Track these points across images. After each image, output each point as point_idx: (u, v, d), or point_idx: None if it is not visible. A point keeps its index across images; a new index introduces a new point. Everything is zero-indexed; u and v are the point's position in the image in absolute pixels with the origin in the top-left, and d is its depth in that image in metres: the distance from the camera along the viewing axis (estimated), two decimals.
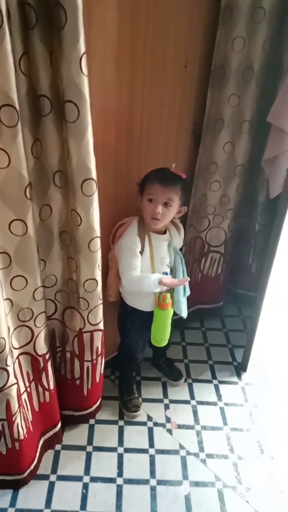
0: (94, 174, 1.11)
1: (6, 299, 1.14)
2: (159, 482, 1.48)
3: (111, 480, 1.48)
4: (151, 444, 1.61)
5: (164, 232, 1.49)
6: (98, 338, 1.44)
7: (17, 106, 0.91)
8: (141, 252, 1.41)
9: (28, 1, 0.90)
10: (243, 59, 1.54)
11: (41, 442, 1.50)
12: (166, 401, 1.80)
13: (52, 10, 0.91)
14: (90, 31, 1.13)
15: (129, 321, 1.61)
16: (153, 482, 1.49)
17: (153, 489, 1.46)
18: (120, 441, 1.61)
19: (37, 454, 1.47)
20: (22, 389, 1.31)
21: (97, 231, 1.21)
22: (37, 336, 1.27)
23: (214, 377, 1.93)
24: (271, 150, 1.68)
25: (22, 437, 1.31)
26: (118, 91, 1.32)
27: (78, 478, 1.48)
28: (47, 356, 1.34)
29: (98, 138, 1.12)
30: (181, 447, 1.61)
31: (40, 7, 0.91)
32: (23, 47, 0.93)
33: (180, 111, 1.60)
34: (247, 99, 1.61)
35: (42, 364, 1.33)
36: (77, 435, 1.63)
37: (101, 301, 1.37)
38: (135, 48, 1.31)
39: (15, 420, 1.26)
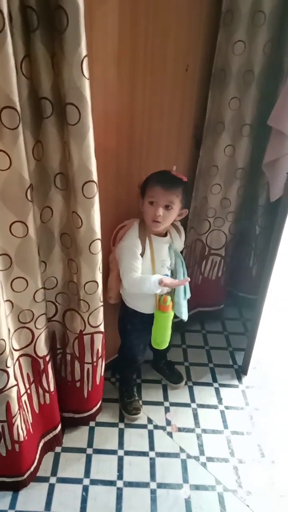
0: (95, 177, 1.12)
1: (6, 300, 1.14)
2: (159, 485, 1.48)
3: (111, 483, 1.48)
4: (152, 447, 1.61)
5: (165, 235, 1.49)
6: (99, 340, 1.44)
7: (18, 108, 0.91)
8: (142, 254, 1.41)
9: (30, 4, 0.91)
10: (244, 62, 1.54)
11: (41, 444, 1.50)
12: (166, 404, 1.79)
13: (53, 13, 0.92)
14: (92, 34, 1.14)
15: (129, 324, 1.61)
16: (153, 485, 1.48)
17: (153, 492, 1.46)
18: (121, 444, 1.61)
19: (37, 456, 1.47)
20: (22, 390, 1.31)
21: (98, 233, 1.22)
22: (37, 338, 1.27)
23: (214, 380, 1.92)
24: (271, 153, 1.68)
25: (22, 439, 1.31)
26: (119, 94, 1.33)
27: (78, 481, 1.48)
28: (47, 358, 1.34)
29: (99, 140, 1.12)
30: (182, 450, 1.60)
31: (42, 10, 0.92)
32: (24, 50, 0.94)
33: (181, 114, 1.61)
34: (248, 102, 1.62)
35: (42, 366, 1.33)
36: (77, 437, 1.63)
37: (102, 303, 1.37)
38: (136, 52, 1.31)
39: (15, 422, 1.26)
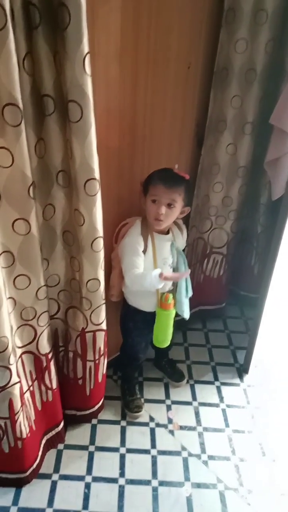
0: (97, 174, 1.12)
1: (9, 298, 1.15)
2: (161, 483, 1.48)
3: (113, 480, 1.48)
4: (153, 445, 1.61)
5: (167, 232, 1.49)
6: (101, 338, 1.44)
7: (20, 106, 0.92)
8: (144, 252, 1.42)
9: (32, 1, 0.91)
10: (246, 61, 1.54)
11: (43, 441, 1.50)
12: (168, 402, 1.80)
13: (56, 10, 0.92)
14: (94, 32, 1.14)
15: (131, 322, 1.61)
16: (155, 483, 1.48)
17: (155, 490, 1.46)
18: (122, 442, 1.61)
19: (40, 453, 1.47)
20: (25, 388, 1.31)
21: (100, 231, 1.22)
22: (40, 335, 1.28)
23: (216, 378, 1.92)
24: (273, 152, 1.68)
25: (24, 436, 1.31)
26: (121, 91, 1.33)
27: (80, 478, 1.48)
28: (49, 356, 1.34)
29: (101, 138, 1.12)
30: (183, 448, 1.60)
31: (44, 7, 0.92)
32: (27, 47, 0.94)
33: (182, 112, 1.61)
34: (250, 101, 1.62)
35: (45, 363, 1.34)
36: (79, 434, 1.63)
37: (104, 301, 1.37)
38: (138, 49, 1.32)
39: (17, 419, 1.26)
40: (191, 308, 1.57)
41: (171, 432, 1.66)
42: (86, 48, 0.95)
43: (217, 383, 1.90)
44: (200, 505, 1.42)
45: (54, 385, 1.41)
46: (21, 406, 1.26)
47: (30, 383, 1.34)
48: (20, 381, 1.24)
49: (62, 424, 1.54)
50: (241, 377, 1.94)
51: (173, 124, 1.59)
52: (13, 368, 1.18)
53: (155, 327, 1.51)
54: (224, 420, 1.73)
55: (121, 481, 1.48)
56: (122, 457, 1.56)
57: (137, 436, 1.64)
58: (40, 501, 1.41)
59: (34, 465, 1.44)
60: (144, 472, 1.51)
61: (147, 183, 1.40)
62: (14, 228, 1.06)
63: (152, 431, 1.66)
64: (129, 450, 1.58)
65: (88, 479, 1.48)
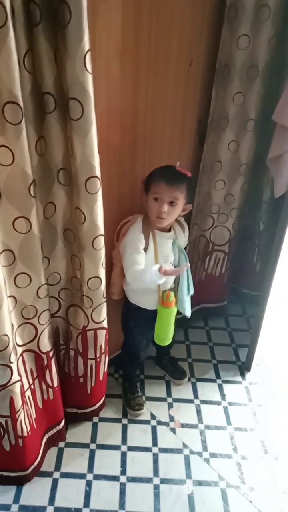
0: (98, 172, 1.11)
1: (10, 296, 1.15)
2: (163, 481, 1.48)
3: (115, 478, 1.48)
4: (155, 443, 1.61)
5: (169, 230, 1.49)
6: (102, 336, 1.44)
7: (21, 103, 0.91)
8: (146, 249, 1.41)
9: None
10: (248, 57, 1.53)
11: (44, 439, 1.50)
12: (169, 400, 1.80)
13: (56, 7, 0.91)
14: (95, 29, 1.13)
15: (132, 320, 1.61)
16: (156, 480, 1.49)
17: (156, 487, 1.46)
18: (124, 439, 1.62)
19: (41, 451, 1.48)
20: (26, 386, 1.31)
21: (101, 229, 1.22)
22: (41, 334, 1.28)
23: (218, 376, 1.92)
24: (275, 149, 1.67)
25: (25, 434, 1.32)
26: (122, 88, 1.32)
27: (81, 476, 1.48)
28: (50, 354, 1.34)
29: (102, 136, 1.12)
30: (185, 446, 1.60)
31: (45, 4, 0.92)
32: (27, 44, 0.94)
33: (184, 109, 1.60)
34: (252, 98, 1.61)
35: (46, 362, 1.34)
36: (80, 432, 1.63)
37: (105, 299, 1.37)
38: (139, 46, 1.31)
39: (18, 417, 1.26)
40: (192, 306, 1.57)
41: (173, 430, 1.67)
42: (87, 45, 0.94)
43: (219, 381, 1.90)
44: (201, 503, 1.42)
45: (55, 383, 1.41)
46: (22, 404, 1.26)
47: (31, 381, 1.34)
48: (21, 380, 1.24)
49: (63, 422, 1.54)
50: (243, 375, 1.94)
51: (175, 121, 1.58)
52: (13, 366, 1.18)
53: (157, 325, 1.51)
54: (226, 418, 1.73)
55: (123, 479, 1.48)
56: (124, 455, 1.56)
57: (138, 434, 1.64)
58: (41, 499, 1.41)
59: (35, 463, 1.44)
60: (146, 470, 1.52)
61: (148, 180, 1.39)
62: (14, 226, 1.06)
63: (154, 429, 1.66)
64: (130, 448, 1.59)
65: (89, 477, 1.48)
